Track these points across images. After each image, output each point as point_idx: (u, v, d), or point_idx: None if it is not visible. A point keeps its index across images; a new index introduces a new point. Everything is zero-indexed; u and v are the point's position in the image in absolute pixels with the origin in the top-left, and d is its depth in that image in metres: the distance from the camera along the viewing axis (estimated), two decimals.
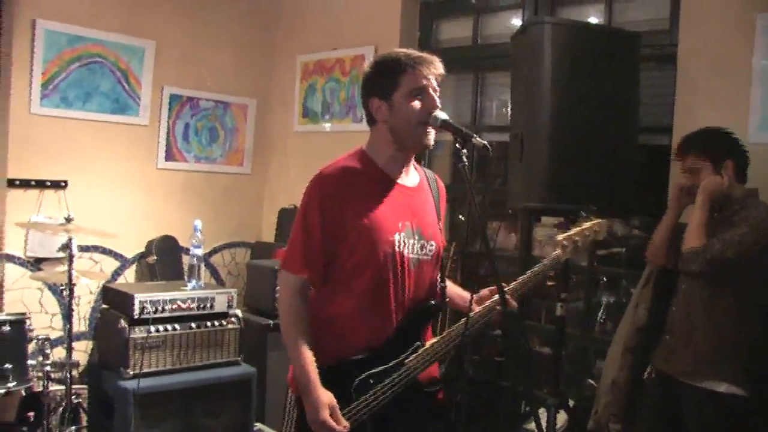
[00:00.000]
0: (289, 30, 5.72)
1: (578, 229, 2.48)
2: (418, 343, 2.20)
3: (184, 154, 5.40)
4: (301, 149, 5.54)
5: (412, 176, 2.30)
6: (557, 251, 2.40)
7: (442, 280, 2.35)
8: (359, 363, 2.13)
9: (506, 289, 2.21)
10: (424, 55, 2.19)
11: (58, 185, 4.71)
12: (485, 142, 2.00)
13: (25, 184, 4.60)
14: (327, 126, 5.36)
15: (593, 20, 4.21)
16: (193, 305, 3.83)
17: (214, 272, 5.58)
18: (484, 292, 2.32)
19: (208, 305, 3.88)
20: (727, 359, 2.72)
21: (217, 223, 5.45)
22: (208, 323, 3.87)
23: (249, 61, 5.74)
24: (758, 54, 3.31)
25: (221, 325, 3.92)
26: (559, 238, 2.44)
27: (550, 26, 3.20)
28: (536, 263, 2.40)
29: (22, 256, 4.59)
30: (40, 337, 3.92)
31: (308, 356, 2.09)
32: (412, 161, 2.31)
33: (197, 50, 5.41)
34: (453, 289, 2.44)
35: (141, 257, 5.10)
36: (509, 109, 3.83)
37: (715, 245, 2.66)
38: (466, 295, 2.32)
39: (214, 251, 5.58)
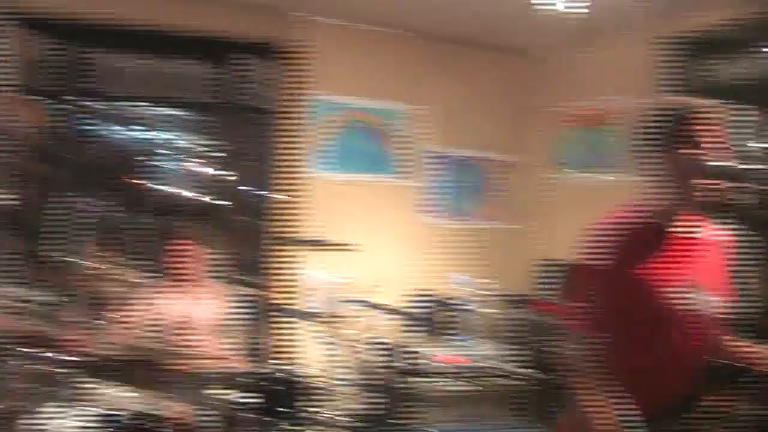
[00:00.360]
0: (549, 85, 5.80)
1: None
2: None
3: (442, 210, 5.63)
4: (564, 200, 5.55)
5: (698, 231, 2.20)
6: None
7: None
8: None
9: None
10: (707, 103, 2.11)
11: (350, 248, 4.95)
12: None
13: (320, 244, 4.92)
14: (593, 175, 5.33)
15: None
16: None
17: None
18: None
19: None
20: None
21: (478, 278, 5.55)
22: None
23: (508, 118, 5.89)
24: None
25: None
26: None
27: None
28: None
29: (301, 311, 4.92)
30: None
31: None
32: (702, 215, 2.22)
33: (456, 110, 5.66)
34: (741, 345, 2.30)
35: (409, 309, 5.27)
36: None
37: None
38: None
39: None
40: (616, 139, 5.10)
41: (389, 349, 3.79)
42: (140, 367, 3.53)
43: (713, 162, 2.03)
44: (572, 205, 5.38)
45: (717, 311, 2.14)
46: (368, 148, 5.34)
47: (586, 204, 5.11)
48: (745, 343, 2.30)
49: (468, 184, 5.72)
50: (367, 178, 5.35)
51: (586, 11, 4.13)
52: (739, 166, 2.02)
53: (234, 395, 3.53)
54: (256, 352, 4.49)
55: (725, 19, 4.41)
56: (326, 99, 5.17)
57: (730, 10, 4.34)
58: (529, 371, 4.45)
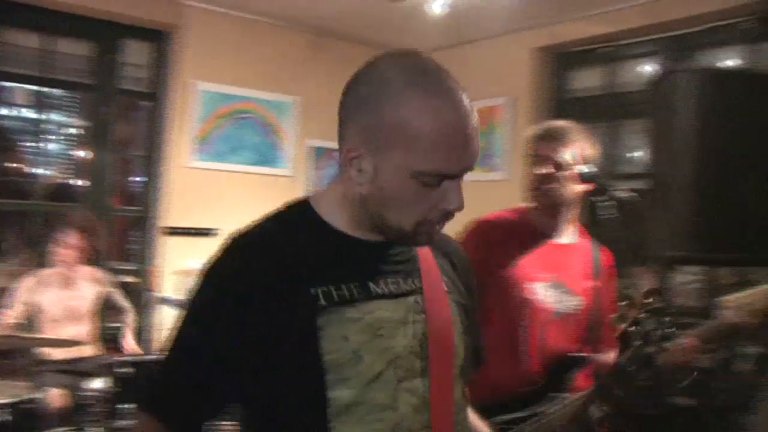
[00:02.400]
0: None
1: (759, 290, 2.34)
2: (558, 393, 2.20)
3: None
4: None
5: (570, 235, 2.39)
6: (727, 314, 2.24)
7: (600, 341, 2.35)
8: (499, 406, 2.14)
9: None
10: (554, 128, 2.32)
11: (210, 233, 5.01)
12: (628, 194, 2.08)
13: (183, 232, 4.94)
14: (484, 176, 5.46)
15: (734, 63, 4.16)
16: None
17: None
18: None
19: None
20: None
21: None
22: None
23: None
24: None
25: None
26: (731, 300, 2.27)
27: (690, 74, 3.19)
28: (675, 312, 2.33)
29: (178, 299, 4.89)
30: None
31: None
32: (576, 224, 2.41)
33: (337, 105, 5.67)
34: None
35: None
36: (644, 156, 3.83)
37: None
38: None
39: None
40: (497, 141, 5.27)
41: None
42: (11, 357, 3.49)
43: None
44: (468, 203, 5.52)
45: (579, 311, 2.29)
46: (254, 139, 5.31)
47: (469, 202, 5.27)
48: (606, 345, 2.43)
49: None
50: (252, 169, 5.31)
51: (445, 11, 4.26)
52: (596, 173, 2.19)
53: (99, 382, 3.52)
54: (137, 340, 4.46)
55: (595, 34, 4.66)
56: (212, 88, 5.11)
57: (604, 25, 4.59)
58: None
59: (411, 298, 1.28)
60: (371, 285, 1.24)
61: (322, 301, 1.18)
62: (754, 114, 3.23)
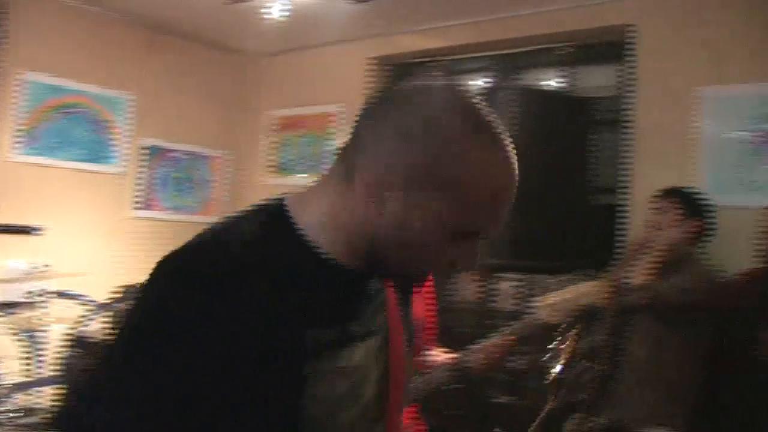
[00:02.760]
0: (264, 86, 5.91)
1: (571, 291, 2.55)
2: None
3: (160, 203, 5.54)
4: None
5: None
6: (541, 313, 2.45)
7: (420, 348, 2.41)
8: None
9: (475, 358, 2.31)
10: None
11: (32, 231, 4.79)
12: None
13: (3, 230, 4.70)
14: (300, 178, 5.52)
15: (554, 83, 4.46)
16: None
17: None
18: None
19: None
20: (671, 405, 2.89)
21: None
22: None
23: (225, 116, 5.92)
24: (702, 123, 3.55)
25: None
26: (547, 301, 2.48)
27: (512, 92, 3.43)
28: (496, 316, 2.47)
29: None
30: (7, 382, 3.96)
31: None
32: None
33: (174, 104, 5.58)
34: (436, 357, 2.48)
35: (114, 304, 5.16)
36: None
37: (658, 286, 2.85)
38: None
39: None
40: (329, 146, 5.36)
41: (87, 343, 3.70)
42: None
43: None
44: None
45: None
46: (84, 134, 5.10)
47: None
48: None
49: (184, 179, 5.68)
50: (82, 165, 5.10)
51: (284, 15, 4.31)
52: None
53: None
54: None
55: (429, 47, 4.84)
56: (41, 78, 4.86)
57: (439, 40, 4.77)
58: None
59: (379, 337, 1.14)
60: (353, 326, 1.08)
61: (310, 347, 1.01)
62: (570, 132, 3.52)
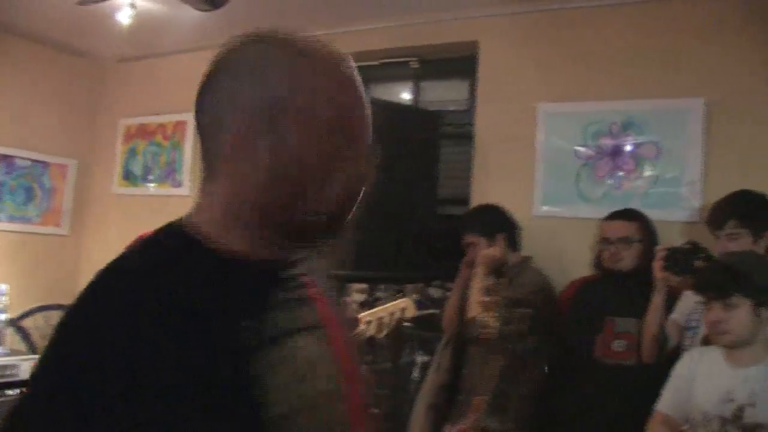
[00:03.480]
0: (113, 92, 5.72)
1: (386, 307, 2.62)
2: None
3: (3, 213, 5.23)
4: (121, 211, 5.50)
5: None
6: (361, 327, 2.51)
7: None
8: None
9: None
10: None
11: None
12: None
13: None
14: (149, 187, 5.37)
15: (404, 97, 4.55)
16: None
17: (25, 337, 5.37)
18: None
19: (9, 372, 3.73)
20: (503, 411, 3.00)
21: (31, 285, 5.29)
22: (10, 392, 3.71)
23: (70, 122, 5.67)
24: (540, 137, 3.72)
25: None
26: (362, 315, 2.54)
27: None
28: None
29: None
30: None
31: None
32: None
33: (16, 108, 5.30)
34: None
35: None
36: None
37: (503, 329, 2.98)
38: None
39: (27, 314, 5.38)
40: (172, 153, 5.25)
41: None
42: None
43: None
44: (132, 216, 5.41)
45: None
46: None
47: (141, 214, 5.21)
48: None
49: (24, 187, 5.40)
50: None
51: (132, 21, 4.21)
52: None
53: None
54: None
55: None
56: None
57: None
58: None
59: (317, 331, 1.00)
60: (279, 320, 0.94)
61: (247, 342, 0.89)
62: (419, 145, 3.59)
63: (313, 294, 0.98)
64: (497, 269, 3.16)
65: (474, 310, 3.04)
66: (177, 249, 0.96)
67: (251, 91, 0.95)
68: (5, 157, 5.26)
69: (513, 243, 3.26)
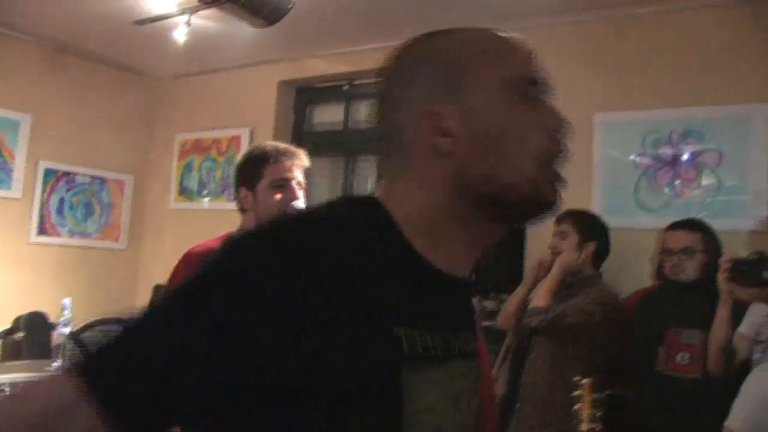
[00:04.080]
0: (168, 109, 5.82)
1: None
2: None
3: (58, 228, 5.35)
4: (177, 226, 5.57)
5: None
6: None
7: None
8: None
9: None
10: (290, 147, 2.32)
11: None
12: None
13: None
14: (205, 202, 5.44)
15: None
16: None
17: (83, 350, 5.45)
18: None
19: None
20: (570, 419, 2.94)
21: (91, 299, 5.37)
22: None
23: (127, 138, 5.78)
24: (598, 147, 3.67)
25: None
26: None
27: None
28: None
29: None
30: None
31: None
32: None
33: (75, 125, 5.42)
34: None
35: (7, 333, 4.97)
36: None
37: (557, 308, 2.94)
38: None
39: (87, 328, 5.47)
40: (227, 168, 5.31)
41: None
42: None
43: (293, 202, 2.25)
44: (186, 229, 5.47)
45: None
46: None
47: (198, 229, 5.27)
48: None
49: (85, 203, 5.51)
50: None
51: (188, 38, 4.28)
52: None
53: None
54: None
55: (336, 72, 4.86)
56: None
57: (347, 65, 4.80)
58: None
59: (476, 360, 0.99)
60: (451, 339, 0.92)
61: (406, 351, 0.84)
62: None
63: None
64: (571, 276, 3.12)
65: (537, 302, 3.00)
66: (380, 233, 0.91)
67: (430, 66, 0.94)
68: (67, 173, 5.38)
69: (598, 259, 3.22)
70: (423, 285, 0.90)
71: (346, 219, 0.89)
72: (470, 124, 0.89)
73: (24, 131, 5.11)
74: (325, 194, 4.82)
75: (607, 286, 3.16)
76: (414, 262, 0.90)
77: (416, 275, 0.90)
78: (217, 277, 0.82)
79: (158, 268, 5.45)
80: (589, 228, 3.21)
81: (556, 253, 3.19)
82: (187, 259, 2.25)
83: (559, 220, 3.25)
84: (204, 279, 0.84)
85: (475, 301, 3.96)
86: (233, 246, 0.87)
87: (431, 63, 0.93)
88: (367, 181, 4.97)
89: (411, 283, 0.89)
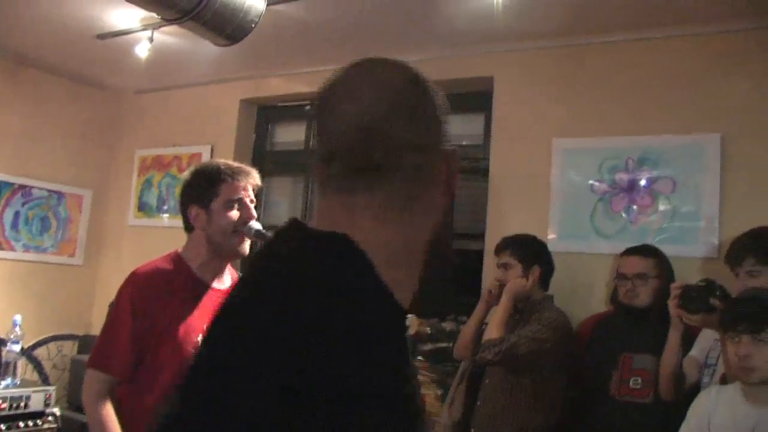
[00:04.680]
0: (129, 124, 5.77)
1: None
2: None
3: (12, 242, 5.25)
4: (135, 242, 5.52)
5: (225, 280, 2.35)
6: None
7: None
8: None
9: None
10: (243, 166, 2.32)
11: None
12: None
13: None
14: (164, 219, 5.39)
15: None
16: (5, 405, 3.67)
17: (38, 366, 5.37)
18: None
19: (23, 404, 3.72)
20: None
21: (44, 314, 5.29)
22: (21, 423, 3.70)
23: (86, 153, 5.71)
24: (556, 172, 3.72)
25: (35, 425, 3.77)
26: None
27: None
28: None
29: None
30: None
31: None
32: (229, 266, 2.40)
33: (33, 138, 5.34)
34: None
35: None
36: None
37: (511, 339, 2.94)
38: None
39: (40, 344, 5.39)
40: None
41: None
42: None
43: (249, 221, 2.24)
44: (147, 247, 5.41)
45: None
46: None
47: (156, 245, 5.22)
48: None
49: (41, 217, 5.43)
50: None
51: (150, 54, 4.28)
52: (260, 227, 2.26)
53: None
54: None
55: (298, 91, 4.86)
56: None
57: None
58: (80, 414, 4.34)
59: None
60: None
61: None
62: None
63: None
64: (521, 302, 3.14)
65: (491, 334, 3.01)
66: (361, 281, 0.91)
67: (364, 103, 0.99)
68: (22, 187, 5.29)
69: (545, 281, 3.24)
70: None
71: (338, 280, 0.88)
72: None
73: None
74: (285, 213, 4.82)
75: (558, 309, 3.18)
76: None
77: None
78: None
79: (115, 284, 5.34)
80: (530, 253, 3.23)
81: (503, 285, 3.20)
82: (134, 279, 2.23)
83: (499, 251, 3.29)
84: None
85: (432, 322, 3.98)
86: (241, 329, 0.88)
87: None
88: None
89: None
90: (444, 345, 4.18)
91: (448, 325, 4.23)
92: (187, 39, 4.24)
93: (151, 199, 5.51)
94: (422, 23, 3.83)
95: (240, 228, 2.23)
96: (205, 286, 2.28)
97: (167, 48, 4.44)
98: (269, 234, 2.23)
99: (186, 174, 2.37)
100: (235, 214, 2.24)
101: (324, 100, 1.03)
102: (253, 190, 2.31)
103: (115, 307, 2.21)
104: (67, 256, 5.59)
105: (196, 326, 2.18)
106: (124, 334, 2.15)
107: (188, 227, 2.32)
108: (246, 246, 2.28)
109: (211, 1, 3.32)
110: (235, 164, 2.33)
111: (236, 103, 5.12)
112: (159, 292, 2.19)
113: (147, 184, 5.55)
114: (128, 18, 4.14)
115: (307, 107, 4.98)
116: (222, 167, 2.29)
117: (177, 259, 2.30)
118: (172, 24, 3.69)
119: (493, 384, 3.11)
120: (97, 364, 2.17)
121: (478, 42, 3.98)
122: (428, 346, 4.17)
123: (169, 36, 4.30)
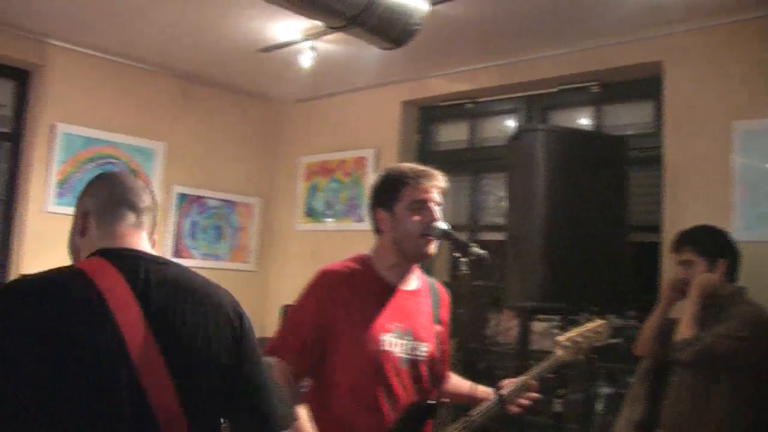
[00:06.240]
0: (293, 132, 5.96)
1: (581, 329, 2.47)
2: None
3: (190, 251, 5.55)
4: (303, 247, 5.68)
5: (411, 282, 2.35)
6: (559, 352, 2.41)
7: (441, 379, 2.41)
8: None
9: (505, 393, 2.29)
10: (427, 169, 2.30)
11: None
12: (483, 252, 2.13)
13: None
14: (330, 223, 5.52)
15: (584, 122, 4.45)
16: None
17: None
18: (483, 390, 2.38)
19: None
20: None
21: None
22: None
23: (253, 162, 5.96)
24: (737, 157, 3.50)
25: None
26: (560, 338, 2.43)
27: (543, 133, 3.40)
28: (532, 357, 2.42)
29: None
30: None
31: None
32: (415, 268, 2.39)
33: (205, 152, 5.64)
34: (459, 385, 2.49)
35: None
36: (505, 208, 4.03)
37: (706, 338, 2.76)
38: (473, 388, 2.39)
39: None
40: (352, 189, 5.39)
41: None
42: None
43: (432, 223, 2.24)
44: (311, 250, 5.57)
45: (425, 357, 2.30)
46: None
47: (323, 250, 5.36)
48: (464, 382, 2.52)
49: (214, 226, 5.70)
50: None
51: (313, 64, 4.37)
52: (447, 227, 2.24)
53: None
54: None
55: (459, 90, 4.85)
56: (73, 130, 4.94)
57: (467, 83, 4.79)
58: None
59: None
60: None
61: None
62: (604, 171, 3.47)
63: None
64: (709, 298, 2.94)
65: (683, 333, 2.84)
66: None
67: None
68: (198, 198, 5.59)
69: (732, 273, 3.00)
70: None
71: None
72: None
73: (158, 158, 5.35)
74: (450, 213, 4.81)
75: (754, 303, 2.96)
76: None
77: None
78: None
79: (285, 288, 5.57)
80: (713, 246, 3.01)
81: (686, 284, 3.01)
82: (322, 276, 2.27)
83: (678, 248, 3.08)
84: None
85: (612, 318, 3.86)
86: None
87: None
88: (490, 199, 4.93)
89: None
90: (614, 341, 4.04)
91: (616, 321, 4.10)
92: (348, 45, 4.33)
93: (318, 204, 5.66)
94: (579, 13, 3.74)
95: (425, 231, 2.23)
96: (390, 288, 2.30)
97: (329, 56, 4.54)
98: (456, 234, 2.23)
99: (374, 178, 2.40)
100: (418, 217, 2.24)
101: None
102: (439, 192, 2.29)
103: (300, 300, 2.26)
104: (240, 262, 5.84)
105: (380, 326, 2.21)
106: (306, 326, 2.20)
107: (376, 230, 2.35)
108: (432, 248, 2.27)
109: (374, 6, 3.36)
110: (420, 167, 2.32)
111: (398, 105, 5.17)
112: (344, 291, 2.22)
113: (313, 189, 5.71)
114: (289, 30, 4.28)
115: (469, 105, 4.95)
116: (405, 170, 2.29)
117: (364, 260, 2.33)
118: (337, 31, 3.77)
119: (684, 384, 2.93)
120: (279, 353, 2.21)
121: (642, 27, 3.83)
122: (599, 343, 4.05)
123: (330, 44, 4.40)
